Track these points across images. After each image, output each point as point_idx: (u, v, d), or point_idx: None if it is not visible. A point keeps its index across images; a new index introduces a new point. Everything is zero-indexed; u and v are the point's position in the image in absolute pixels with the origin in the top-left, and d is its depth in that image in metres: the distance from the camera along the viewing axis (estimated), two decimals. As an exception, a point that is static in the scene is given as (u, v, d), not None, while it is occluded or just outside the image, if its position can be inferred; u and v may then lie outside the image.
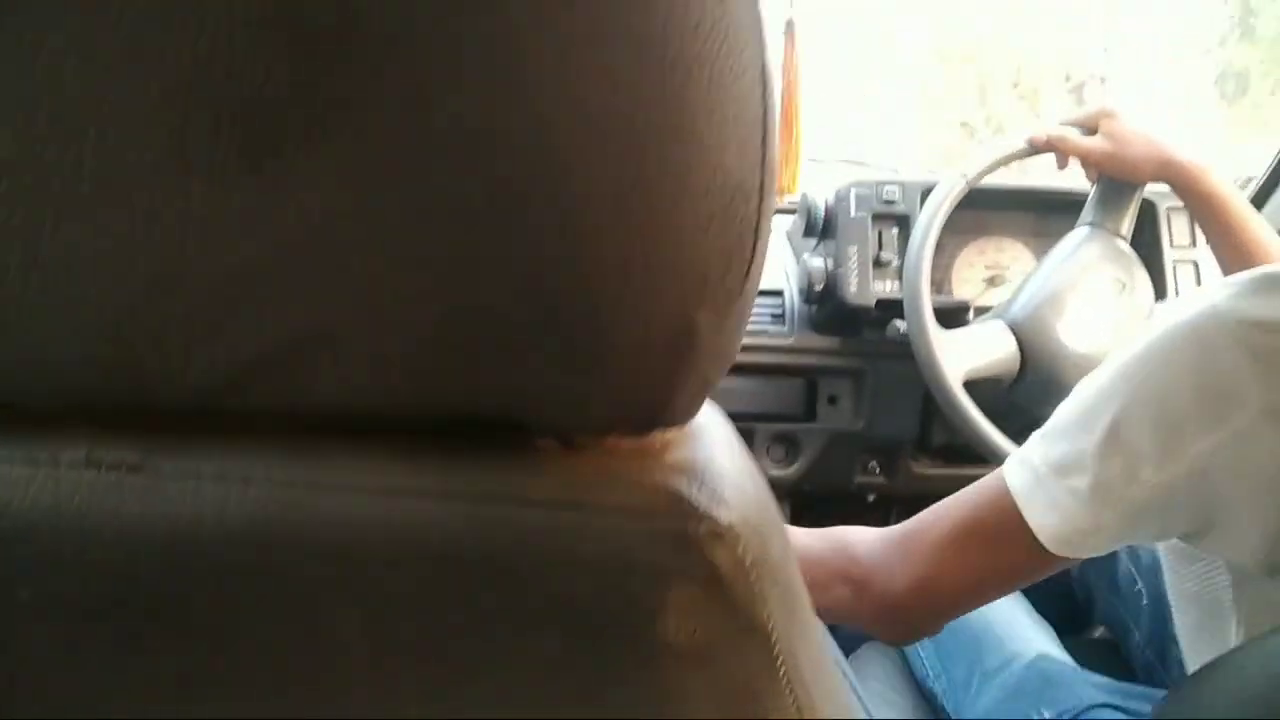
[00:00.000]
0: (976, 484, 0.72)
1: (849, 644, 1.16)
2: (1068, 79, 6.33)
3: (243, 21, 0.26)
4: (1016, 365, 1.13)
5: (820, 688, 0.37)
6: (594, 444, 0.34)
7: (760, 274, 0.34)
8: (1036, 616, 1.11)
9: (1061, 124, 1.19)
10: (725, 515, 0.32)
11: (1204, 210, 1.07)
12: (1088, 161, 1.16)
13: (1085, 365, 1.12)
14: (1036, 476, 0.67)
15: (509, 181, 0.28)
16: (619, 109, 0.28)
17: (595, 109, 0.28)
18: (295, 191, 0.27)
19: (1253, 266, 1.00)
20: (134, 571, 0.30)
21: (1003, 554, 0.70)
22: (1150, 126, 1.12)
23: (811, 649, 0.38)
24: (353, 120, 0.27)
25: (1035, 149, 1.18)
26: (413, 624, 0.32)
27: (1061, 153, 1.17)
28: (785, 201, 1.45)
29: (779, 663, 0.34)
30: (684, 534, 0.32)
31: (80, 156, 0.27)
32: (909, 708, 1.08)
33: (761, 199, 0.32)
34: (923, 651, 1.08)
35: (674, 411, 0.34)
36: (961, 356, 1.10)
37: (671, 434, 0.35)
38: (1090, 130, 1.15)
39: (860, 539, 0.77)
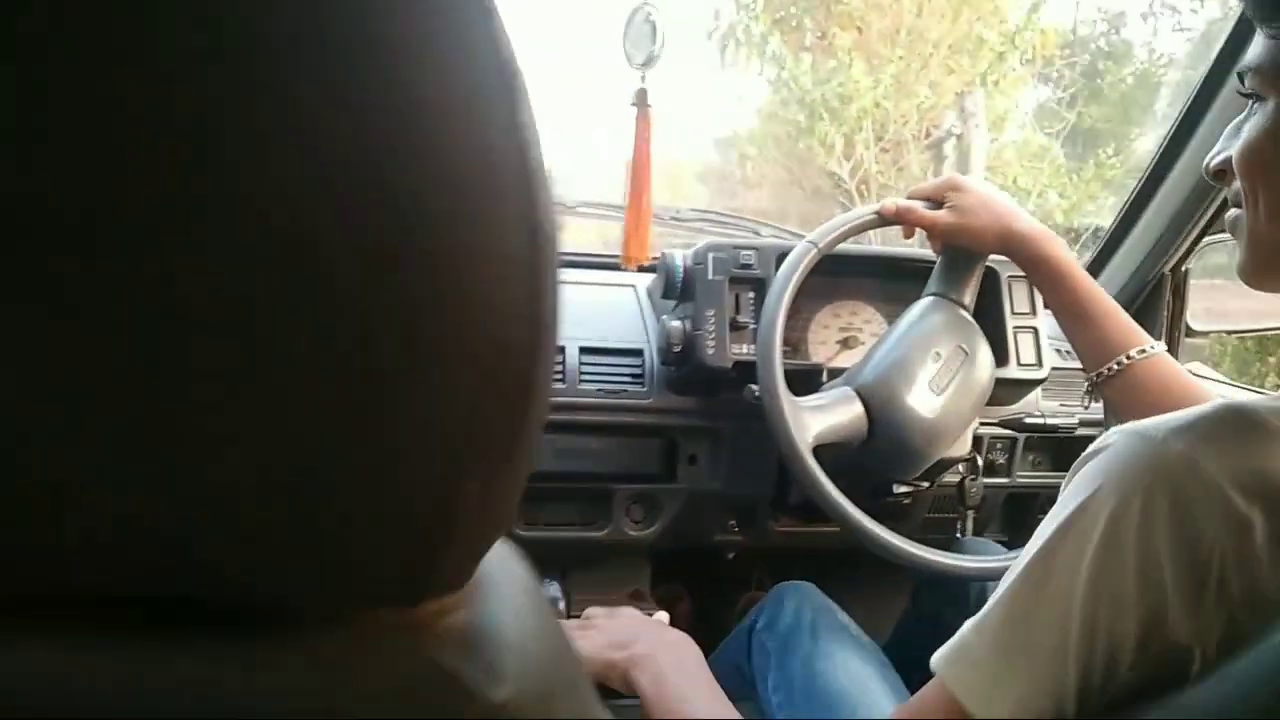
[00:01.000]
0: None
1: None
2: (927, 135, 6.62)
3: None
4: (864, 429, 1.15)
5: None
6: (353, 619, 0.31)
7: (537, 431, 0.32)
8: (892, 678, 1.12)
9: (909, 195, 1.22)
10: (501, 693, 0.31)
11: (1043, 277, 1.10)
12: (933, 233, 1.19)
13: (929, 430, 1.15)
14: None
15: (250, 350, 0.25)
16: (373, 273, 0.26)
17: (346, 276, 0.26)
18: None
19: (1097, 336, 1.03)
20: None
21: None
22: (993, 198, 1.15)
23: None
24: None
25: (884, 219, 1.20)
26: None
27: (908, 224, 1.20)
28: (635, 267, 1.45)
29: None
30: (465, 714, 0.30)
31: None
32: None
33: (535, 355, 0.30)
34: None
35: (442, 579, 0.32)
36: (811, 422, 1.11)
37: (447, 600, 0.33)
38: (937, 202, 1.18)
39: None
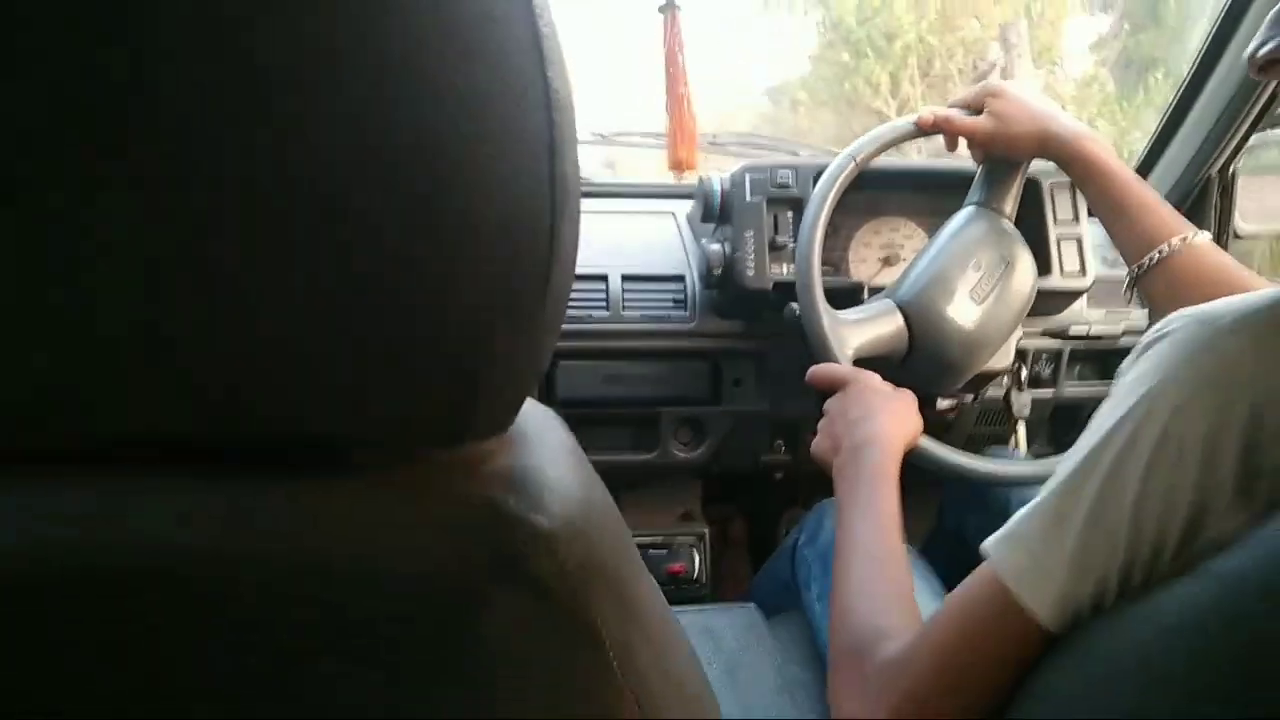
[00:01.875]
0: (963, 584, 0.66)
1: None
2: (974, 68, 6.46)
3: None
4: (905, 343, 1.14)
5: (666, 684, 0.37)
6: (402, 460, 0.33)
7: (565, 287, 0.34)
8: (933, 581, 1.12)
9: (949, 104, 1.20)
10: (544, 523, 0.32)
11: (1085, 177, 1.08)
12: (973, 141, 1.17)
13: (969, 341, 1.14)
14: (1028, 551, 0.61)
15: (288, 215, 0.28)
16: (400, 141, 0.28)
17: (375, 139, 0.28)
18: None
19: (1138, 229, 1.01)
20: None
21: (994, 632, 0.62)
22: (1033, 101, 1.13)
23: (654, 646, 0.38)
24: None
25: (923, 130, 1.18)
26: (227, 650, 0.30)
27: (948, 133, 1.18)
28: (685, 180, 1.44)
29: (613, 663, 0.33)
30: (499, 544, 0.32)
31: None
32: (813, 680, 1.08)
33: (554, 215, 0.32)
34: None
35: (483, 422, 0.34)
36: (851, 336, 1.10)
37: (490, 444, 0.35)
38: (976, 110, 1.16)
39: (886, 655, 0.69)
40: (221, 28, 0.26)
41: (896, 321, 1.13)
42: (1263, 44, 0.66)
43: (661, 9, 1.11)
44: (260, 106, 0.26)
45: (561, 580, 0.32)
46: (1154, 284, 1.01)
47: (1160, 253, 0.99)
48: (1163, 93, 5.60)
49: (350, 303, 0.29)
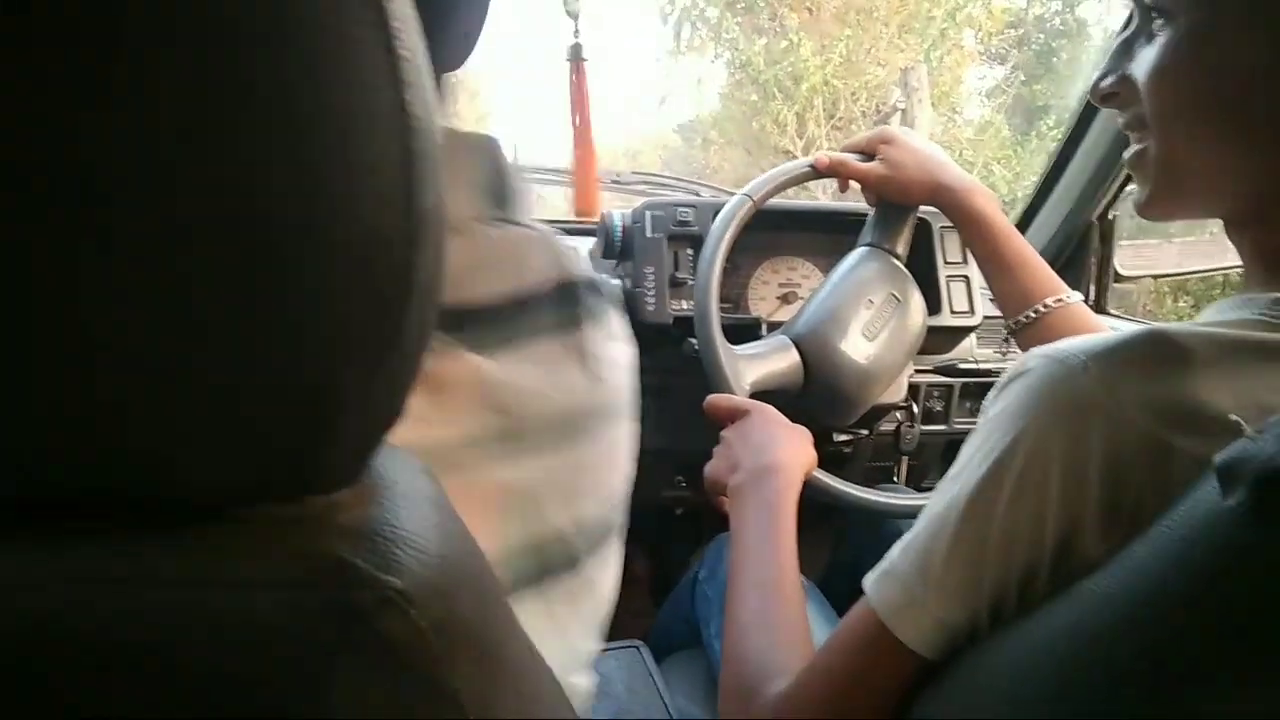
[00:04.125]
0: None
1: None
2: (877, 111, 6.62)
3: None
4: (801, 377, 1.14)
5: None
6: (240, 515, 0.30)
7: (424, 325, 0.31)
8: (826, 612, 1.11)
9: (843, 148, 1.20)
10: (395, 582, 0.29)
11: (970, 229, 1.10)
12: (865, 184, 1.17)
13: (863, 375, 1.14)
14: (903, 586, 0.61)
15: (93, 243, 0.25)
16: (240, 165, 0.25)
17: (216, 169, 0.25)
18: None
19: (1016, 286, 1.03)
20: None
21: (874, 666, 0.62)
22: (925, 149, 1.14)
23: (524, 704, 0.35)
24: None
25: (819, 172, 1.18)
26: (63, 713, 0.27)
27: (843, 176, 1.18)
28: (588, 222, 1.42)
29: None
30: (347, 605, 0.29)
31: None
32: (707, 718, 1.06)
33: (412, 248, 0.29)
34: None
35: (331, 472, 0.31)
36: (748, 370, 1.10)
37: (341, 496, 0.32)
38: (870, 155, 1.16)
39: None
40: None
41: (792, 356, 1.13)
42: (1104, 76, 0.67)
43: (569, 58, 1.09)
44: (73, 126, 0.24)
45: (416, 643, 0.29)
46: (1029, 340, 1.03)
47: (1036, 311, 1.02)
48: (1054, 138, 5.79)
49: (176, 344, 0.26)
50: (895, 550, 0.63)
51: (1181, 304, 4.65)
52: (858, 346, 1.13)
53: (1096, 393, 0.55)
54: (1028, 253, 1.06)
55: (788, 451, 0.97)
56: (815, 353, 1.13)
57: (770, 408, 1.04)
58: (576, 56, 1.12)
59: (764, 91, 6.61)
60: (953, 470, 0.62)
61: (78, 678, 0.27)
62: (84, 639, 0.27)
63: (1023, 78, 6.75)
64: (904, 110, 6.31)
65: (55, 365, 0.25)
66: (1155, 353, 0.56)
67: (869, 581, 0.63)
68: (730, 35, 6.56)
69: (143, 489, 0.28)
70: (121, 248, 0.25)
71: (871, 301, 1.14)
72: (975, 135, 6.48)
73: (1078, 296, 1.03)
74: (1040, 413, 0.56)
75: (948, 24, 6.33)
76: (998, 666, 0.56)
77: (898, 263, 1.19)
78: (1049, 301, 1.02)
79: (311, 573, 0.29)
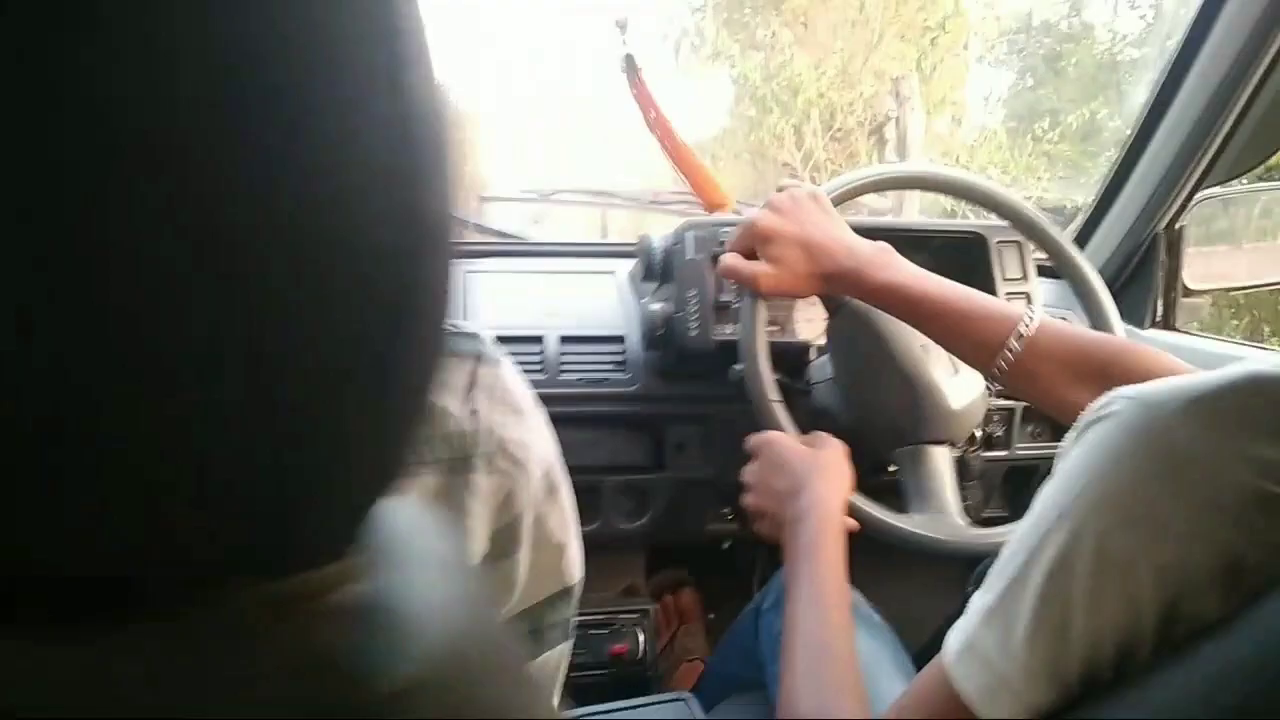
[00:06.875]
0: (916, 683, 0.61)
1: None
2: (873, 120, 6.56)
3: None
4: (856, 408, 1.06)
5: None
6: (209, 598, 0.24)
7: (428, 353, 0.26)
8: (900, 658, 1.01)
9: (728, 248, 1.05)
10: (395, 679, 0.24)
11: (888, 307, 0.96)
12: (756, 290, 1.02)
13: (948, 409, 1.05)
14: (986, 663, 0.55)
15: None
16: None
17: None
18: None
19: (971, 340, 0.89)
20: None
21: None
22: (803, 237, 0.97)
23: None
24: None
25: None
26: None
27: (738, 282, 1.05)
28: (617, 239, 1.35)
29: None
30: (349, 704, 0.24)
31: None
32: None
33: (415, 265, 0.24)
34: None
35: (316, 540, 0.26)
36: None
37: (340, 566, 0.26)
38: (751, 255, 1.01)
39: None
40: None
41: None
42: None
43: (623, 69, 1.02)
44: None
45: None
46: (1017, 384, 0.89)
47: (1007, 357, 0.87)
48: (1050, 140, 5.74)
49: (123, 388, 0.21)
50: (975, 618, 0.56)
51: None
52: (950, 381, 1.06)
53: (1194, 443, 0.49)
54: (962, 300, 0.91)
55: (818, 487, 0.91)
56: (908, 404, 1.06)
57: (779, 435, 0.99)
58: (631, 65, 1.06)
59: (761, 106, 6.56)
60: (1028, 521, 0.55)
61: None
62: None
63: (1030, 83, 6.71)
64: (898, 118, 6.27)
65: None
66: (1257, 400, 0.49)
67: (950, 655, 0.57)
68: (730, 54, 6.52)
69: (107, 576, 0.22)
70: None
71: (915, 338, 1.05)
72: (974, 141, 6.43)
73: (1039, 312, 0.88)
74: (1124, 464, 0.50)
75: (938, 33, 6.28)
76: None
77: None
78: (1012, 342, 0.86)
79: (296, 672, 0.24)
